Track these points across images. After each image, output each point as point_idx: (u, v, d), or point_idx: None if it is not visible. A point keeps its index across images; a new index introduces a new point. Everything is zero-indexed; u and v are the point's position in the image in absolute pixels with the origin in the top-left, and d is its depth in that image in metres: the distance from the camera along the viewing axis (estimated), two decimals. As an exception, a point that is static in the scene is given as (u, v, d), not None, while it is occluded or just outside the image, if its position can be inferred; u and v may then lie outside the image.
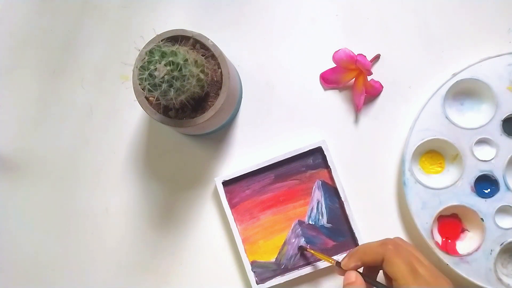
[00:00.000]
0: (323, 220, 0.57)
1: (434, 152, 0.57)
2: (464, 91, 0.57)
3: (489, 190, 0.55)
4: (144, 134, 0.60)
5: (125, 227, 0.60)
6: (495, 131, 0.55)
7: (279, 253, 0.57)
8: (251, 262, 0.56)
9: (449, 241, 0.56)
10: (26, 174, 0.61)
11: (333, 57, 0.57)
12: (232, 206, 0.57)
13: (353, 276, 0.46)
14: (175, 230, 0.59)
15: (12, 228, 0.60)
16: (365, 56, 0.55)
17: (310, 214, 0.57)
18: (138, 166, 0.60)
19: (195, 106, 0.50)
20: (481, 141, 0.55)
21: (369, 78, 0.56)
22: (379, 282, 0.46)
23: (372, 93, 0.58)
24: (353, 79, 0.58)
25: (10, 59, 0.62)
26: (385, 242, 0.46)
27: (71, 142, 0.61)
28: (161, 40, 0.48)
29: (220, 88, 0.50)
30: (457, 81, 0.55)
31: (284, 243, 0.57)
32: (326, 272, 0.57)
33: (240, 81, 0.59)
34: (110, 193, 0.60)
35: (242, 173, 0.57)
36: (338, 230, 0.57)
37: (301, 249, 0.56)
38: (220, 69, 0.50)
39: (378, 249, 0.46)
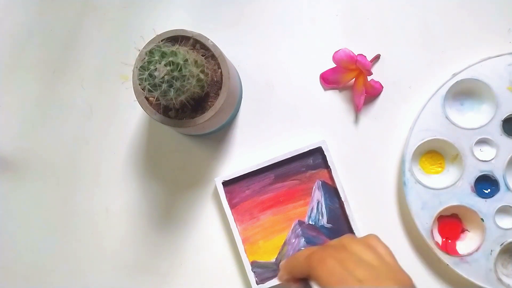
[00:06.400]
0: (323, 220, 0.57)
1: (434, 152, 0.57)
2: (464, 91, 0.57)
3: (489, 190, 0.55)
4: (144, 134, 0.60)
5: (125, 227, 0.60)
6: (495, 131, 0.55)
7: (279, 253, 0.57)
8: (251, 262, 0.56)
9: (449, 241, 0.56)
10: (26, 174, 0.61)
11: (333, 57, 0.57)
12: (232, 206, 0.57)
13: None
14: (175, 230, 0.59)
15: (12, 228, 0.60)
16: (365, 56, 0.55)
17: (310, 214, 0.57)
18: (138, 166, 0.60)
19: (195, 106, 0.50)
20: (481, 141, 0.55)
21: (369, 78, 0.56)
22: None
23: (372, 93, 0.58)
24: (353, 79, 0.58)
25: (10, 59, 0.62)
26: (310, 254, 0.39)
27: (71, 142, 0.61)
28: (161, 40, 0.48)
29: (220, 88, 0.50)
30: (457, 81, 0.55)
31: (284, 243, 0.57)
32: (326, 272, 0.57)
33: (240, 81, 0.59)
34: (110, 193, 0.60)
35: (242, 173, 0.57)
36: (338, 230, 0.57)
37: None
38: (220, 69, 0.50)
39: (303, 261, 0.39)
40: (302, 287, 0.42)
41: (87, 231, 0.60)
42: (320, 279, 0.37)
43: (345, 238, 0.41)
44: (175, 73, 0.44)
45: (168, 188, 0.60)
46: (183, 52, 0.45)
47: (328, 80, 0.59)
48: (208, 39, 0.50)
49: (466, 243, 0.55)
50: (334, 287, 0.36)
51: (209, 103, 0.50)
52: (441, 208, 0.54)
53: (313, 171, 0.57)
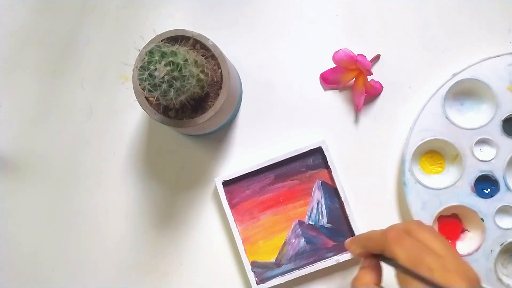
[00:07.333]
0: (323, 220, 0.57)
1: (434, 152, 0.57)
2: (464, 91, 0.57)
3: (489, 190, 0.55)
4: (144, 134, 0.60)
5: (125, 227, 0.60)
6: (495, 131, 0.55)
7: (279, 253, 0.57)
8: (251, 262, 0.56)
9: (449, 241, 0.56)
10: (26, 174, 0.61)
11: (333, 57, 0.57)
12: (232, 206, 0.57)
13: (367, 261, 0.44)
14: (175, 230, 0.59)
15: (12, 228, 0.60)
16: (365, 56, 0.55)
17: (310, 214, 0.57)
18: (138, 166, 0.60)
19: (195, 106, 0.50)
20: (481, 141, 0.55)
21: (369, 78, 0.56)
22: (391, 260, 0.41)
23: (372, 93, 0.58)
24: (353, 79, 0.58)
25: (10, 59, 0.62)
26: (386, 231, 0.41)
27: (71, 142, 0.61)
28: (161, 40, 0.48)
29: (220, 88, 0.50)
30: (457, 81, 0.55)
31: (284, 243, 0.57)
32: (326, 272, 0.57)
33: (240, 81, 0.59)
34: (110, 194, 0.60)
35: (242, 173, 0.57)
36: (338, 230, 0.57)
37: None
38: (220, 69, 0.50)
39: (380, 237, 0.42)
40: (373, 262, 0.44)
41: (87, 231, 0.60)
42: (396, 255, 0.39)
43: (413, 224, 0.42)
44: (175, 73, 0.44)
45: (168, 188, 0.60)
46: (183, 52, 0.45)
47: (328, 80, 0.59)
48: (208, 39, 0.50)
49: (466, 243, 0.55)
50: (407, 266, 0.37)
51: (209, 103, 0.50)
52: (441, 208, 0.54)
53: (313, 171, 0.57)
